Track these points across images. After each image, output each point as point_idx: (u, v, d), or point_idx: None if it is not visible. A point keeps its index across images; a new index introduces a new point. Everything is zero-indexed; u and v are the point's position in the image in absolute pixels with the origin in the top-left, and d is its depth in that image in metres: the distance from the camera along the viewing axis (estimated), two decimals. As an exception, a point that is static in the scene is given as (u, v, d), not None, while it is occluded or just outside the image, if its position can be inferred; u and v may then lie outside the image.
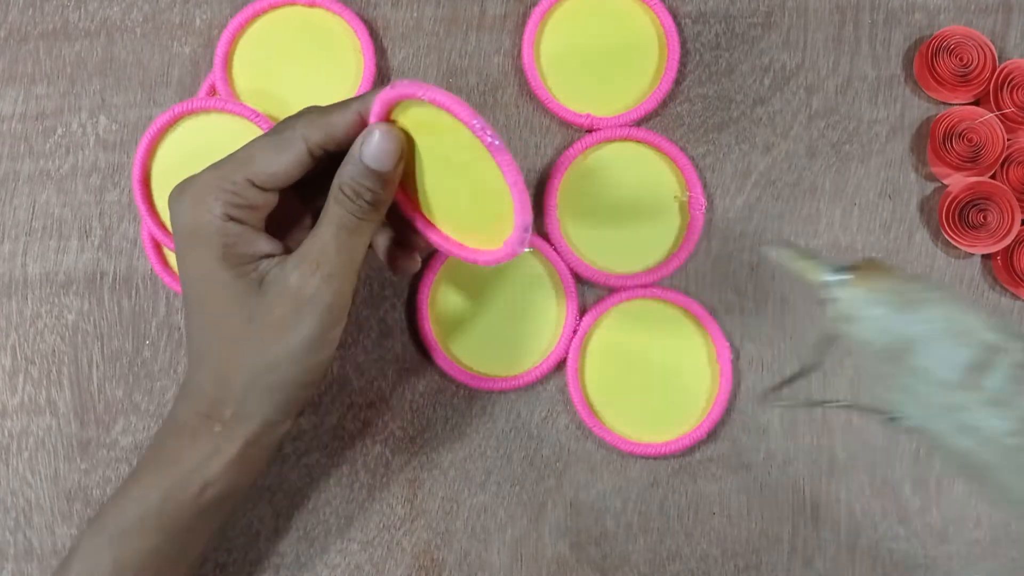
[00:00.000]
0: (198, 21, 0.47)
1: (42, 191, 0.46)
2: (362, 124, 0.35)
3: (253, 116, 0.44)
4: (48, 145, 0.46)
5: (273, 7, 0.46)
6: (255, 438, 0.37)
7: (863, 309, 0.31)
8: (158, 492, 0.36)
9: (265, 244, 0.36)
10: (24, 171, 0.46)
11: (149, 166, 0.45)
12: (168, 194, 0.37)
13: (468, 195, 0.35)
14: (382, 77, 0.46)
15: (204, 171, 0.36)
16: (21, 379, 0.45)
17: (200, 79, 0.46)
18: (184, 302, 0.37)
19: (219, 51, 0.45)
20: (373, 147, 0.34)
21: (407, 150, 0.35)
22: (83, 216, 0.46)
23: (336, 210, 0.35)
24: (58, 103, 0.46)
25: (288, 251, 0.36)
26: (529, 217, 0.33)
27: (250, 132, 0.44)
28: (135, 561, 0.36)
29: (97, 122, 0.46)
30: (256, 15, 0.46)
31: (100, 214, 0.46)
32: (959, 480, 0.45)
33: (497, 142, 0.32)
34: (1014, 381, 0.29)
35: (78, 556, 0.37)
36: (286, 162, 0.35)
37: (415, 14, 0.47)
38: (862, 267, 0.32)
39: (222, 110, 0.44)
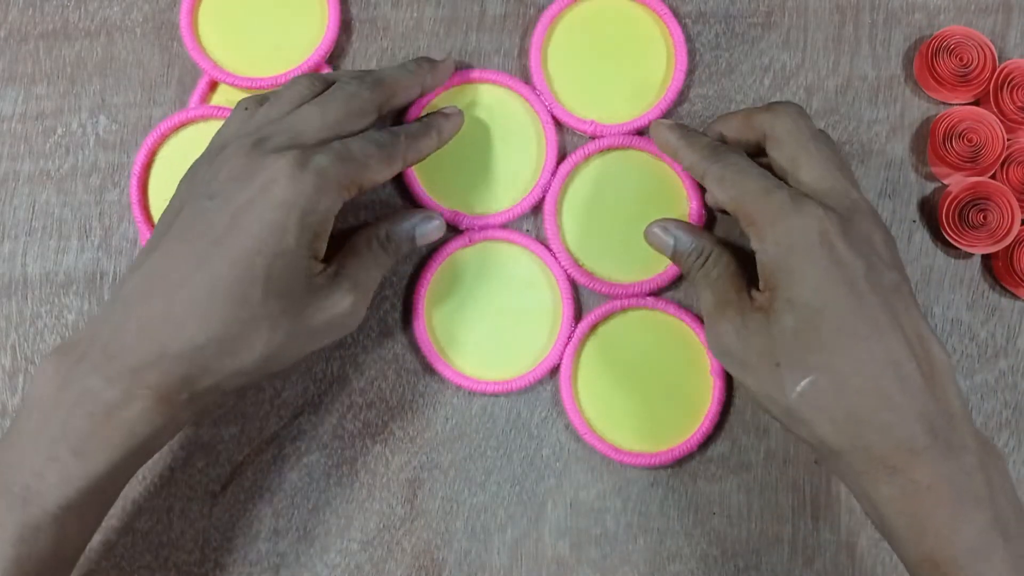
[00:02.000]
0: (198, 21, 0.47)
1: (42, 191, 0.46)
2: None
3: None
4: (48, 145, 0.46)
5: None
6: (207, 409, 0.38)
7: None
8: (106, 467, 0.35)
9: (325, 244, 0.37)
10: (24, 171, 0.46)
11: (147, 177, 0.45)
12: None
13: None
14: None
15: (323, 155, 0.36)
16: (21, 379, 0.45)
17: (199, 78, 0.46)
18: (222, 264, 0.34)
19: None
20: (428, 232, 0.42)
21: None
22: (83, 216, 0.46)
23: (384, 260, 0.40)
24: (58, 103, 0.46)
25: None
26: None
27: None
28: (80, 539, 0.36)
29: (97, 122, 0.46)
30: None
31: (100, 214, 0.46)
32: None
33: None
34: None
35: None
36: (387, 176, 0.39)
37: (415, 14, 0.47)
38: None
39: (220, 117, 0.45)
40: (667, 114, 0.46)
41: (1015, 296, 0.46)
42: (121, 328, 0.35)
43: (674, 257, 0.41)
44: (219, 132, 0.39)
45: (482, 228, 0.45)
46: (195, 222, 0.35)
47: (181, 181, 0.38)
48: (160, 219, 0.38)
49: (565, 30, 0.46)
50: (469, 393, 0.45)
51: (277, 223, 0.35)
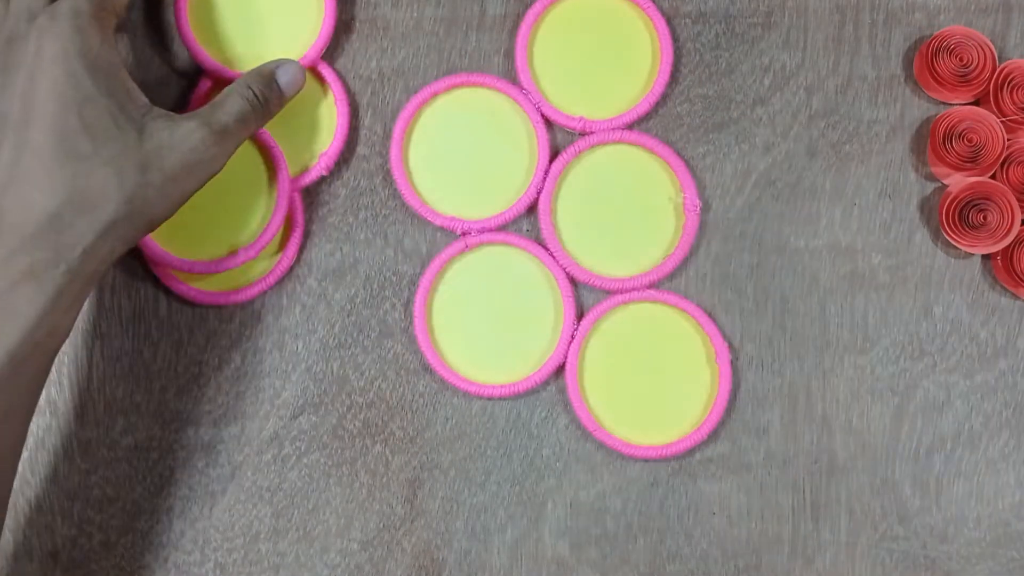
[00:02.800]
0: (198, 21, 0.47)
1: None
2: None
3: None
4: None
5: None
6: (96, 276, 0.37)
7: None
8: (5, 356, 0.35)
9: (141, 96, 0.38)
10: (24, 171, 0.46)
11: None
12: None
13: None
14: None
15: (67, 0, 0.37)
16: None
17: (201, 79, 0.46)
18: (39, 137, 0.36)
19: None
20: (291, 75, 0.42)
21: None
22: (83, 216, 0.46)
23: (241, 102, 0.40)
24: (58, 103, 0.46)
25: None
26: None
27: None
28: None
29: (97, 122, 0.46)
30: None
31: (100, 214, 0.46)
32: (959, 480, 0.45)
33: None
34: None
35: None
36: None
37: (415, 14, 0.47)
38: None
39: None
40: (664, 111, 0.46)
41: (1015, 296, 0.46)
42: None
43: None
44: None
45: (479, 232, 0.45)
46: None
47: None
48: None
49: (550, 28, 0.46)
50: (469, 393, 0.45)
51: (63, 76, 0.36)
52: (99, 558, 0.43)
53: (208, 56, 0.45)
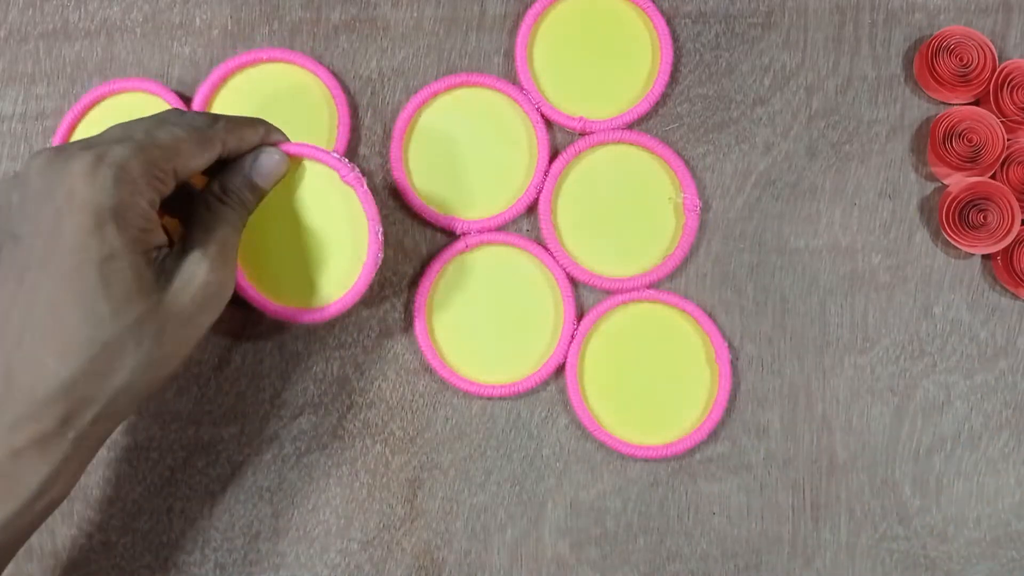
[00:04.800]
0: (198, 21, 0.47)
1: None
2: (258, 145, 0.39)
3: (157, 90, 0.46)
4: (48, 145, 0.46)
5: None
6: (104, 438, 0.35)
7: None
8: None
9: (162, 234, 0.36)
10: (24, 171, 0.46)
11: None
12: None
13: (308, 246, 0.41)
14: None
15: (121, 147, 0.34)
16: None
17: (200, 79, 0.46)
18: (55, 288, 0.32)
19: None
20: (267, 167, 0.39)
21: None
22: (83, 216, 0.46)
23: (228, 213, 0.38)
24: (58, 103, 0.46)
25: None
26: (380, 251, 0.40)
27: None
28: None
29: (97, 122, 0.46)
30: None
31: (100, 214, 0.46)
32: (959, 480, 0.45)
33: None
34: None
35: None
36: (206, 162, 0.37)
37: (415, 14, 0.47)
38: None
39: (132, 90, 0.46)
40: (664, 111, 0.46)
41: (1015, 296, 0.46)
42: None
43: None
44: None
45: (479, 232, 0.45)
46: (12, 265, 0.33)
47: None
48: None
49: (550, 28, 0.46)
50: (469, 393, 0.45)
51: (90, 228, 0.32)
52: (99, 558, 0.43)
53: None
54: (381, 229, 0.40)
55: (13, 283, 0.33)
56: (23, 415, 0.32)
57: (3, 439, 0.32)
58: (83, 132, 0.46)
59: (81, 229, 0.32)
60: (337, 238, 0.41)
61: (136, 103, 0.46)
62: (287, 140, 0.40)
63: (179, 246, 0.36)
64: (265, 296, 0.41)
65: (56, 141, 0.45)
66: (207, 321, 0.36)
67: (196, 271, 0.35)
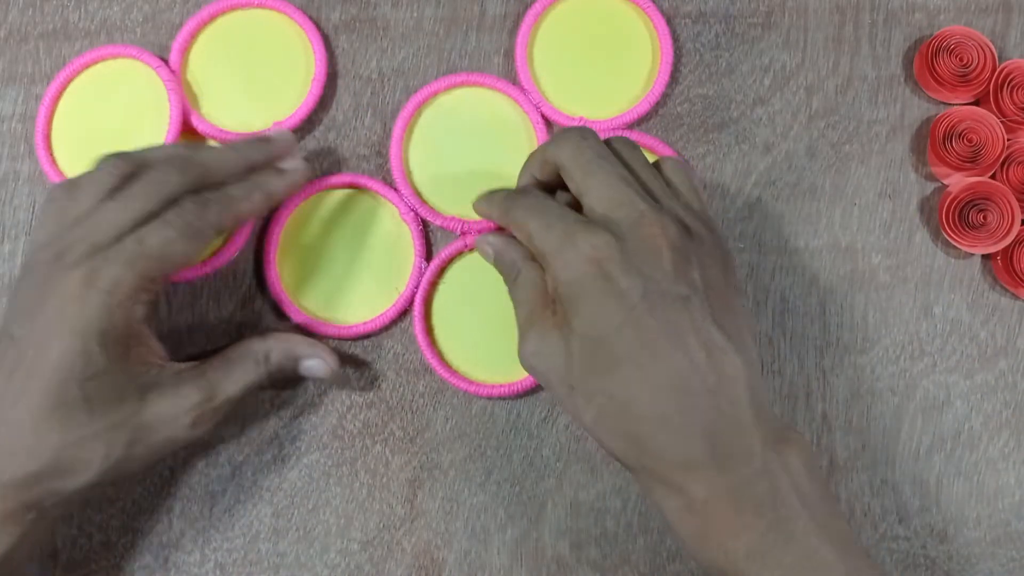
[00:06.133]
0: (198, 21, 0.47)
1: (42, 191, 0.46)
2: None
3: (141, 55, 0.46)
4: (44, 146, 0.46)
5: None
6: (65, 516, 0.38)
7: None
8: None
9: (154, 349, 0.37)
10: (24, 171, 0.46)
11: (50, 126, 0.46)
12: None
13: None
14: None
15: (112, 266, 0.35)
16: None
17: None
18: (38, 394, 0.34)
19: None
20: (314, 370, 0.41)
21: None
22: (83, 216, 0.46)
23: (255, 373, 0.39)
24: (58, 103, 0.46)
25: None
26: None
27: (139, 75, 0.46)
28: None
29: (97, 122, 0.46)
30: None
31: (100, 214, 0.46)
32: (959, 480, 0.45)
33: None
34: None
35: None
36: (200, 252, 0.38)
37: (415, 14, 0.47)
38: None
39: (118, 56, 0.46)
40: (659, 107, 0.46)
41: (1015, 296, 0.46)
42: None
43: (496, 267, 0.41)
44: (31, 238, 0.38)
45: (479, 232, 0.45)
46: (4, 360, 0.35)
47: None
48: None
49: (550, 28, 0.46)
50: (469, 393, 0.45)
51: (77, 350, 0.34)
52: (99, 558, 0.43)
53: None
54: (426, 264, 0.44)
55: (3, 378, 0.35)
56: None
57: None
58: (69, 100, 0.46)
59: (69, 350, 0.34)
60: (380, 265, 0.45)
61: (121, 69, 0.46)
62: (292, 180, 0.41)
63: (190, 366, 0.38)
64: (295, 304, 0.44)
65: (42, 111, 0.45)
66: (167, 454, 0.38)
67: (185, 411, 0.37)
